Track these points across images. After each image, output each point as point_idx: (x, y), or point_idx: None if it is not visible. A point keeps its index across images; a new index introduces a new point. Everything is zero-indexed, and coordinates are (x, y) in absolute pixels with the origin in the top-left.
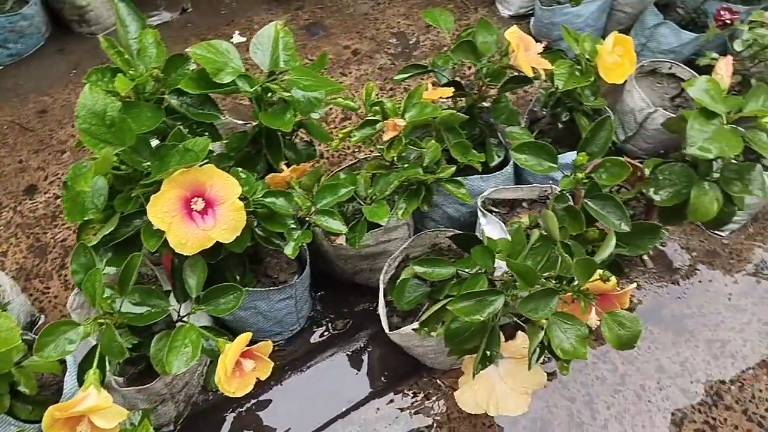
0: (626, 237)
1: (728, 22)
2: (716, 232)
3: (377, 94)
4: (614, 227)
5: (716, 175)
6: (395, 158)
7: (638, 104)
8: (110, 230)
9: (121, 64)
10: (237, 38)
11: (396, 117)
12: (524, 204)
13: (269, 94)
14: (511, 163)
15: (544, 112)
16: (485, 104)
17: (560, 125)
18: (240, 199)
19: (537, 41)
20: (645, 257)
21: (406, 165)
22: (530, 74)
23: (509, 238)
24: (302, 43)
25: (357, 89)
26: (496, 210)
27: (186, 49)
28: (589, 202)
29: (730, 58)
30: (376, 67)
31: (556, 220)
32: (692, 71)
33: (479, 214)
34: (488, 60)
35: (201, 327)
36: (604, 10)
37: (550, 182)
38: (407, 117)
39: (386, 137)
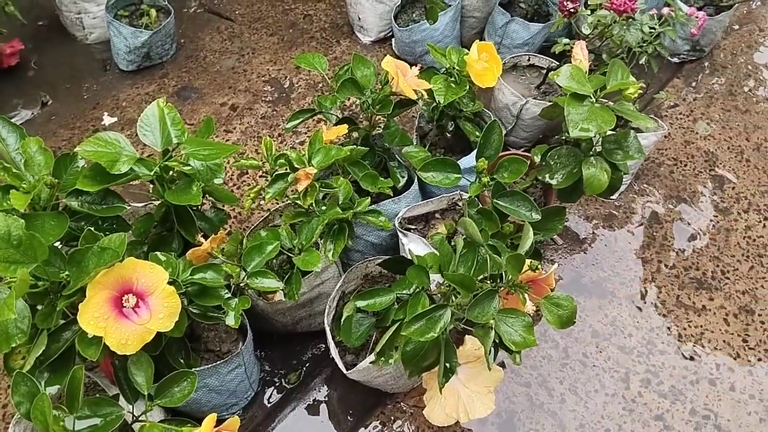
0: (537, 224)
1: (573, 11)
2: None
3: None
4: (527, 219)
5: (598, 149)
6: (312, 204)
7: (510, 99)
8: (41, 350)
9: (11, 180)
10: (108, 119)
11: (305, 166)
12: (437, 215)
13: (169, 173)
14: (416, 180)
15: (430, 126)
16: (377, 132)
17: (448, 134)
18: (169, 283)
19: (411, 65)
20: (555, 236)
21: (323, 207)
22: (414, 97)
23: (434, 251)
24: (177, 109)
25: (245, 143)
26: (414, 227)
27: (75, 149)
28: (498, 201)
29: (582, 42)
30: (258, 117)
31: (474, 224)
32: (549, 58)
33: (400, 235)
34: (371, 91)
35: (161, 422)
36: (456, 19)
37: (457, 190)
38: (315, 163)
39: (300, 187)
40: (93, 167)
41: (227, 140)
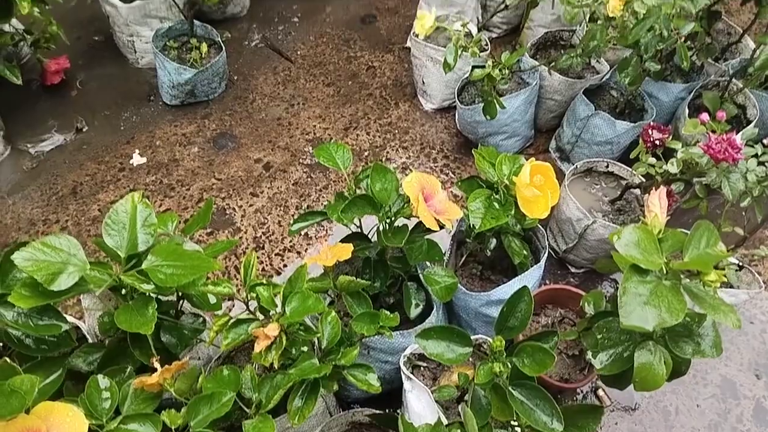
0: (565, 421)
1: (658, 143)
2: None
3: (279, 231)
4: (544, 428)
5: (660, 331)
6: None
7: (575, 213)
8: None
9: None
10: (137, 159)
11: (268, 324)
12: None
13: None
14: (438, 307)
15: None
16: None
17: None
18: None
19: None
20: (600, 393)
21: (299, 353)
22: (435, 228)
23: (438, 410)
24: (209, 159)
25: (270, 211)
26: (424, 365)
27: (12, 256)
28: (514, 392)
29: (663, 190)
30: (291, 182)
31: (482, 402)
32: (632, 170)
33: (403, 378)
34: (389, 209)
35: None
36: (531, 101)
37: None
38: (288, 310)
39: (258, 348)
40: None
41: (251, 205)
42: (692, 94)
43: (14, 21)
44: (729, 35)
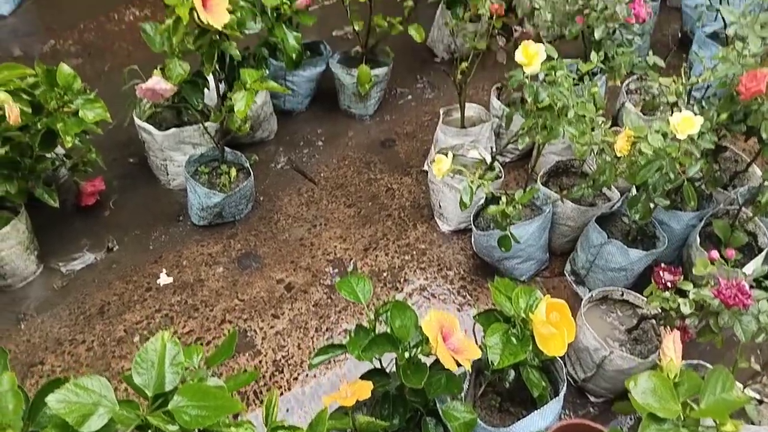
0: None
1: (670, 284)
2: None
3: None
4: None
5: None
6: None
7: (592, 343)
8: None
9: None
10: (164, 278)
11: None
12: None
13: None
14: None
15: None
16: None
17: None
18: None
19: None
20: None
21: None
22: (454, 369)
23: None
24: (233, 279)
25: (290, 333)
26: None
27: (47, 398)
28: None
29: (677, 333)
30: (311, 303)
31: None
32: (645, 298)
33: None
34: (409, 345)
35: None
36: (545, 227)
37: None
38: None
39: None
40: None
41: (272, 327)
42: (703, 221)
43: None
44: (736, 162)
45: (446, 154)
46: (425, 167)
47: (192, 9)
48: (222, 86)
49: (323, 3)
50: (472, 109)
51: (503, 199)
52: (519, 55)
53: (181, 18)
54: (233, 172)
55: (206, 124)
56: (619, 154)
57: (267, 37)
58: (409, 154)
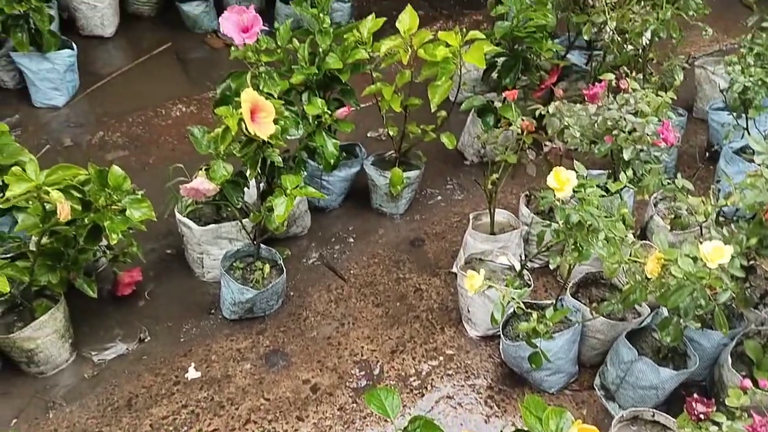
0: None
1: (702, 416)
2: None
3: None
4: None
5: None
6: None
7: None
8: None
9: None
10: (192, 373)
11: None
12: None
13: None
14: None
15: None
16: None
17: None
18: None
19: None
20: None
21: None
22: None
23: None
24: (260, 377)
25: None
26: None
27: None
28: None
29: None
30: (336, 408)
31: None
32: (675, 421)
33: None
34: None
35: None
36: (575, 341)
37: None
38: None
39: None
40: None
41: (296, 430)
42: (734, 341)
43: None
44: (766, 280)
45: (478, 270)
46: (454, 269)
47: (240, 120)
48: (261, 186)
49: (359, 107)
50: (501, 215)
51: (534, 315)
52: (551, 180)
53: (229, 128)
54: (267, 268)
55: (244, 221)
56: (649, 276)
57: (306, 141)
58: (438, 254)
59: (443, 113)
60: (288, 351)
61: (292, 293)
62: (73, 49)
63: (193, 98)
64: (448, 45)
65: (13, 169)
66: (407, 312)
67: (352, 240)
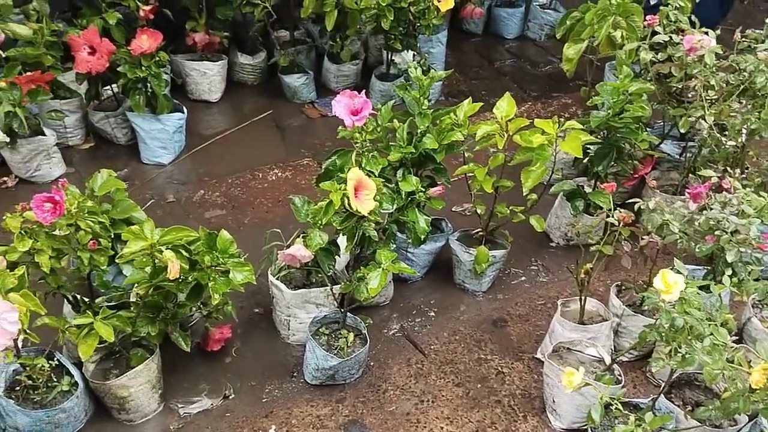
0: None
1: None
2: None
3: None
4: None
5: None
6: None
7: None
8: None
9: None
10: None
11: None
12: None
13: None
14: None
15: None
16: None
17: None
18: None
19: None
20: None
21: None
22: None
23: None
24: None
25: None
26: None
27: None
28: None
29: None
30: None
31: None
32: None
33: None
34: None
35: None
36: None
37: None
38: None
39: None
40: None
41: None
42: None
43: None
44: None
45: (566, 360)
46: (538, 355)
47: (344, 195)
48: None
49: (450, 185)
50: (590, 303)
51: (631, 419)
52: (658, 282)
53: (333, 202)
54: (351, 336)
55: (334, 288)
56: (754, 386)
57: (397, 216)
58: (521, 337)
59: (534, 196)
60: (367, 423)
61: (372, 363)
62: (183, 112)
63: (289, 164)
64: (544, 132)
65: (133, 228)
66: (488, 395)
67: (433, 314)
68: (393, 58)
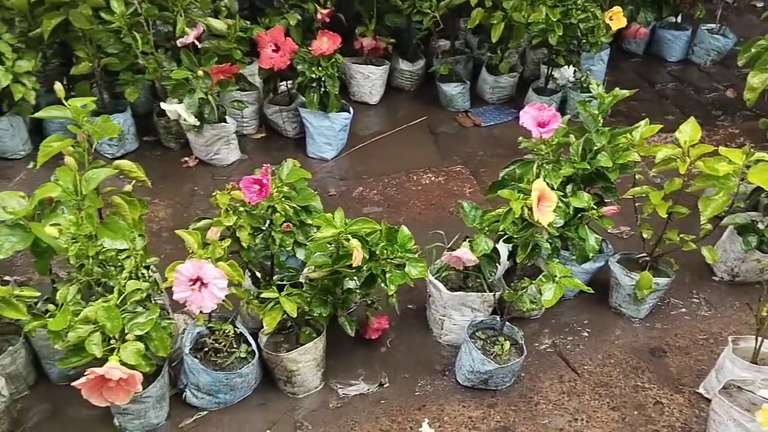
0: None
1: None
2: None
3: None
4: None
5: None
6: None
7: None
8: None
9: None
10: (426, 428)
11: None
12: None
13: None
14: None
15: None
16: None
17: None
18: None
19: None
20: None
21: None
22: None
23: None
24: None
25: None
26: None
27: None
28: None
29: None
30: None
31: None
32: None
33: None
34: None
35: None
36: None
37: None
38: None
39: None
40: None
41: None
42: None
43: None
44: None
45: (736, 398)
46: (701, 390)
47: (524, 205)
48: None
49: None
50: (765, 345)
51: None
52: None
53: (513, 210)
54: (507, 345)
55: (495, 295)
56: None
57: (563, 231)
58: (682, 370)
59: (709, 226)
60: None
61: (522, 375)
62: (350, 112)
63: (442, 169)
64: (730, 161)
65: (326, 215)
66: (646, 423)
67: (585, 334)
68: (552, 72)
